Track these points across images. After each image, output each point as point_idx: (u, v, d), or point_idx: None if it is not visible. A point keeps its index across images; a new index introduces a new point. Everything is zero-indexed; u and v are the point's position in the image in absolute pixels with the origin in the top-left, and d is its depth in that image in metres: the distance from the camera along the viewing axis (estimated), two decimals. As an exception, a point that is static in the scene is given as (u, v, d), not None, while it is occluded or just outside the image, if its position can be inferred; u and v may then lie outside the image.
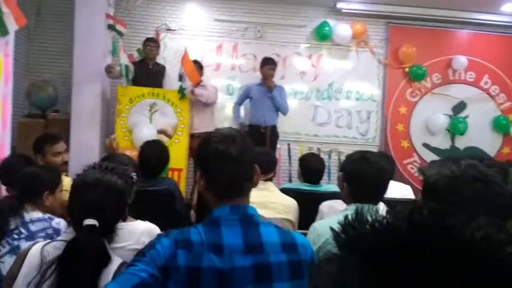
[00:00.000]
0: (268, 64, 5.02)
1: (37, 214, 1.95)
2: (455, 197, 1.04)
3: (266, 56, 5.34)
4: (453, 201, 1.04)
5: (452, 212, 0.52)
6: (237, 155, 1.23)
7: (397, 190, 3.10)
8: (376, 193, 1.85)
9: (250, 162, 1.28)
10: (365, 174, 1.80)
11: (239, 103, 5.32)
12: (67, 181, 2.53)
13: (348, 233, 0.54)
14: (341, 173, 1.95)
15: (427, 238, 0.47)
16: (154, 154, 2.84)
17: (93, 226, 1.35)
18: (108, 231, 1.43)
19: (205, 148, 1.27)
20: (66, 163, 2.85)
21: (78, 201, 1.43)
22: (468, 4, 5.45)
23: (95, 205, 1.39)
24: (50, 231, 1.90)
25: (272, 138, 5.04)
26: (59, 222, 1.95)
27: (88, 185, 1.44)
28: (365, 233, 0.52)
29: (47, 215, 1.97)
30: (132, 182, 2.09)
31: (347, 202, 1.92)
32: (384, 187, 1.88)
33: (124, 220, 1.58)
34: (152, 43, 4.80)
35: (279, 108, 5.10)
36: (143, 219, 1.92)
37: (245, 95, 5.24)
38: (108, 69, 4.38)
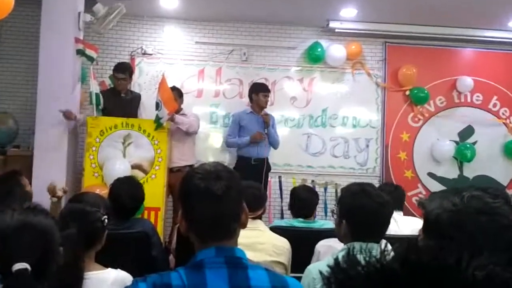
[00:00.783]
0: (264, 91, 5.08)
1: None
2: (458, 232, 1.04)
3: (255, 82, 5.41)
4: (456, 236, 1.04)
5: (451, 250, 0.52)
6: (222, 193, 1.23)
7: (408, 225, 3.11)
8: (379, 229, 1.85)
9: (236, 200, 1.28)
10: (365, 209, 1.80)
11: (234, 137, 5.20)
12: None
13: (338, 276, 0.54)
14: (335, 208, 1.95)
15: (423, 280, 0.47)
16: (126, 192, 2.81)
17: (25, 269, 1.33)
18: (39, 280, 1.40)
19: (186, 185, 1.28)
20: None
21: (3, 247, 1.39)
22: (472, 21, 5.60)
23: (20, 251, 1.38)
24: None
25: (266, 171, 5.05)
26: None
27: (12, 229, 1.40)
28: (355, 276, 0.52)
29: None
30: (103, 225, 2.07)
31: (345, 241, 1.91)
32: (387, 222, 1.89)
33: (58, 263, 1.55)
34: (120, 74, 4.69)
35: (272, 144, 5.16)
36: (115, 266, 1.88)
37: (236, 127, 5.22)
38: (68, 115, 4.29)
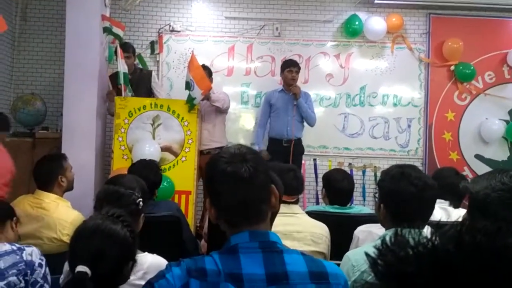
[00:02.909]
0: (289, 67, 5.06)
1: (4, 247, 1.97)
2: (510, 210, 1.03)
3: (287, 58, 5.39)
4: (507, 216, 1.03)
5: (510, 230, 0.51)
6: (249, 176, 1.25)
7: (453, 216, 3.03)
8: (420, 215, 1.82)
9: (265, 182, 1.30)
10: (405, 193, 1.78)
11: (263, 125, 5.29)
12: (75, 215, 2.61)
13: (386, 258, 0.54)
14: (376, 193, 1.94)
15: (479, 261, 0.46)
16: (140, 175, 2.86)
17: (84, 273, 1.40)
18: (104, 285, 1.48)
19: (211, 170, 1.30)
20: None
21: (74, 247, 1.52)
22: (524, -11, 5.41)
23: (90, 254, 1.45)
24: (22, 266, 1.92)
25: (296, 153, 5.05)
26: (31, 252, 1.98)
27: (86, 232, 1.53)
28: (405, 256, 0.52)
29: (15, 246, 1.99)
30: (137, 207, 2.13)
31: (386, 226, 1.91)
32: (429, 208, 1.86)
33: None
34: (125, 53, 4.70)
35: (306, 119, 5.13)
36: (145, 250, 1.94)
37: (267, 108, 5.26)
38: (111, 97, 4.53)
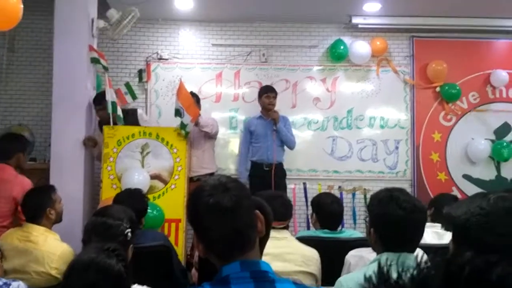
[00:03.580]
0: (267, 92, 5.14)
1: None
2: (490, 235, 1.05)
3: (274, 83, 5.47)
4: (487, 240, 1.04)
5: (495, 261, 0.52)
6: (233, 205, 1.25)
7: (445, 238, 3.04)
8: (410, 238, 1.82)
9: (249, 209, 1.30)
10: (393, 217, 1.77)
11: (244, 154, 5.34)
12: (63, 248, 2.58)
13: None
14: (367, 217, 1.94)
15: None
16: (125, 204, 2.85)
17: None
18: None
19: (194, 205, 1.29)
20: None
21: (68, 281, 1.52)
22: (504, 10, 5.51)
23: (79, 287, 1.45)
24: None
25: (278, 177, 5.09)
26: (18, 287, 1.96)
27: (80, 266, 1.52)
28: None
29: (1, 281, 1.97)
30: (126, 238, 2.12)
31: (377, 251, 1.90)
32: (419, 231, 1.85)
33: None
34: (97, 106, 4.58)
35: (286, 143, 5.18)
36: (134, 281, 1.92)
37: (247, 135, 5.33)
38: (87, 142, 4.45)
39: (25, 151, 3.90)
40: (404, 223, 1.77)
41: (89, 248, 1.65)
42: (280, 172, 5.16)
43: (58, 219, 2.93)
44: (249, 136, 5.30)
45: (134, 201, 2.98)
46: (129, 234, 2.16)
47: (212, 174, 5.04)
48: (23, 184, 3.52)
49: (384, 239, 1.82)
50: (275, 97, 5.15)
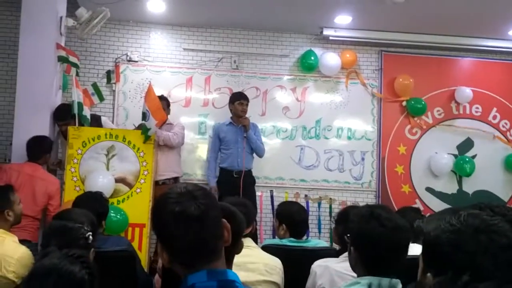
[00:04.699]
0: (240, 99, 5.13)
1: None
2: (459, 253, 1.05)
3: (245, 90, 5.46)
4: (457, 258, 1.05)
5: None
6: (200, 213, 1.22)
7: (414, 250, 3.07)
8: (392, 259, 1.72)
9: (216, 217, 1.27)
10: (374, 235, 1.70)
11: (213, 160, 5.30)
12: (22, 251, 2.49)
13: None
14: (333, 219, 1.92)
15: None
16: (85, 207, 2.80)
17: None
18: None
19: (160, 213, 1.26)
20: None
21: (28, 286, 1.48)
22: (471, 29, 5.69)
23: None
24: None
25: (247, 184, 5.08)
26: None
27: (41, 272, 1.48)
28: None
29: None
30: (87, 242, 2.06)
31: (357, 272, 1.80)
32: (402, 252, 1.74)
33: None
34: (60, 122, 4.50)
35: (255, 150, 5.18)
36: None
37: (216, 141, 5.30)
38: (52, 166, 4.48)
39: (51, 151, 4.30)
40: (385, 243, 1.69)
41: (54, 253, 1.59)
42: (249, 179, 5.15)
43: (17, 220, 2.83)
44: (219, 142, 5.27)
45: (94, 203, 2.93)
46: (90, 237, 2.10)
47: (177, 178, 5.00)
48: (54, 181, 4.14)
49: (365, 260, 1.74)
50: (247, 105, 5.15)
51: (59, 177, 4.53)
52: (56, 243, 1.94)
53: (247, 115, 5.14)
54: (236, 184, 4.97)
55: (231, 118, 5.22)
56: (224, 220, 1.31)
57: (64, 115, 4.45)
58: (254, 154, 5.25)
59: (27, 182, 3.96)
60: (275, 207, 5.58)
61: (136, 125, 4.94)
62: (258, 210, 5.37)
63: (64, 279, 1.45)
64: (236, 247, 1.75)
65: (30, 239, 3.74)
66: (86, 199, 3.05)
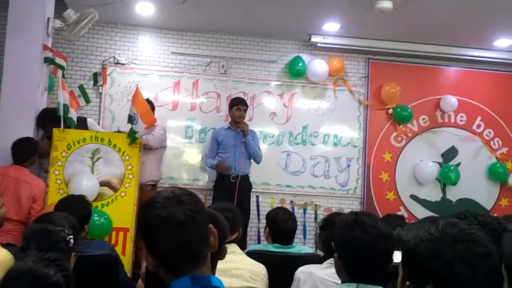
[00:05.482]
0: (237, 105, 5.16)
1: None
2: (437, 262, 1.06)
3: (233, 96, 5.47)
4: (435, 267, 1.06)
5: None
6: (186, 218, 1.22)
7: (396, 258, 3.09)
8: (375, 267, 1.71)
9: (202, 223, 1.27)
10: (357, 241, 1.70)
11: (212, 157, 5.31)
12: (2, 254, 2.45)
13: None
14: (319, 231, 1.93)
15: None
16: (67, 210, 2.78)
17: None
18: None
19: (145, 217, 1.26)
20: None
21: None
22: (457, 39, 5.76)
23: None
24: None
25: (243, 190, 5.08)
26: None
27: (16, 275, 1.48)
28: None
29: None
30: (68, 245, 2.04)
31: (341, 277, 1.81)
32: (386, 260, 1.74)
33: None
34: (43, 130, 4.47)
35: (253, 155, 5.21)
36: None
37: (214, 145, 5.30)
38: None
39: (37, 153, 4.25)
40: (369, 250, 1.69)
41: (29, 256, 1.58)
42: (246, 184, 5.15)
43: (0, 224, 2.80)
44: (216, 146, 5.27)
45: (77, 207, 2.92)
46: (71, 241, 2.08)
47: (155, 182, 4.98)
48: (39, 184, 4.09)
49: (348, 266, 1.74)
50: (245, 110, 5.19)
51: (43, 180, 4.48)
52: (36, 246, 1.93)
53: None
54: (232, 189, 4.96)
55: (230, 123, 5.25)
56: (211, 225, 1.31)
57: (44, 122, 4.43)
58: (252, 160, 5.27)
59: (12, 186, 3.92)
60: (261, 212, 5.63)
61: (119, 129, 4.90)
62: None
63: (38, 282, 1.44)
64: (219, 253, 1.74)
65: (15, 243, 3.69)
66: (69, 202, 3.03)
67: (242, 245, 3.03)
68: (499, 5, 4.73)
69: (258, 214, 5.72)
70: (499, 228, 1.61)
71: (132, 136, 4.34)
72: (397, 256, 2.62)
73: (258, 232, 5.71)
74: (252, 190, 5.52)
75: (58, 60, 4.56)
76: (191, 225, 1.23)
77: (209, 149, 5.40)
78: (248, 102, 5.72)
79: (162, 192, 1.30)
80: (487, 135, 6.27)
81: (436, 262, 1.06)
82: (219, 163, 5.11)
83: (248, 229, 5.65)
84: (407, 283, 1.13)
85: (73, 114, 4.49)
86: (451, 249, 1.06)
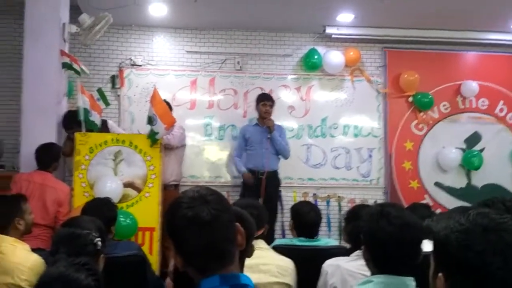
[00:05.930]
0: (263, 100, 5.17)
1: None
2: (468, 252, 1.04)
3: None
4: (466, 258, 1.04)
5: None
6: (212, 218, 1.22)
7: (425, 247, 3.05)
8: (404, 258, 1.68)
9: (228, 222, 1.27)
10: (383, 233, 1.68)
11: (239, 156, 5.34)
12: (33, 259, 2.49)
13: None
14: (344, 223, 1.92)
15: None
16: (93, 213, 2.80)
17: None
18: None
19: (172, 217, 1.26)
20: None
21: None
22: (474, 23, 5.66)
23: None
24: None
25: (271, 186, 5.09)
26: None
27: (48, 281, 1.50)
28: None
29: None
30: (95, 248, 2.06)
31: (371, 270, 1.79)
32: (414, 250, 1.71)
33: None
34: (66, 130, 4.52)
35: (280, 151, 5.21)
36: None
37: (242, 142, 5.32)
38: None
39: (59, 158, 4.31)
40: (393, 241, 1.67)
41: (60, 261, 1.61)
42: (273, 180, 5.17)
43: (28, 230, 2.84)
44: (244, 143, 5.30)
45: (103, 209, 2.95)
46: (99, 243, 2.10)
47: (177, 182, 4.99)
48: (64, 189, 4.16)
49: (376, 258, 1.73)
50: (271, 106, 5.18)
51: (68, 183, 4.55)
52: (65, 250, 1.95)
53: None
54: (259, 185, 4.98)
55: (257, 119, 5.27)
56: (237, 224, 1.31)
57: (69, 122, 4.47)
58: (280, 156, 5.27)
59: (37, 191, 3.98)
60: (284, 206, 5.63)
61: (140, 132, 4.94)
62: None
63: (70, 287, 1.46)
64: (247, 251, 1.75)
65: (44, 248, 3.75)
66: (95, 205, 3.07)
67: (269, 240, 3.03)
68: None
69: (282, 208, 5.72)
70: None
71: (152, 137, 4.36)
72: (426, 245, 2.60)
73: (282, 226, 5.71)
74: (274, 185, 5.51)
75: (75, 65, 4.60)
76: (217, 224, 1.23)
77: (237, 146, 5.42)
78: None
79: (188, 192, 1.30)
80: (510, 119, 6.17)
81: (466, 253, 1.04)
82: (245, 175, 5.13)
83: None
84: (439, 274, 1.11)
85: (96, 117, 4.52)
86: (482, 239, 1.05)
